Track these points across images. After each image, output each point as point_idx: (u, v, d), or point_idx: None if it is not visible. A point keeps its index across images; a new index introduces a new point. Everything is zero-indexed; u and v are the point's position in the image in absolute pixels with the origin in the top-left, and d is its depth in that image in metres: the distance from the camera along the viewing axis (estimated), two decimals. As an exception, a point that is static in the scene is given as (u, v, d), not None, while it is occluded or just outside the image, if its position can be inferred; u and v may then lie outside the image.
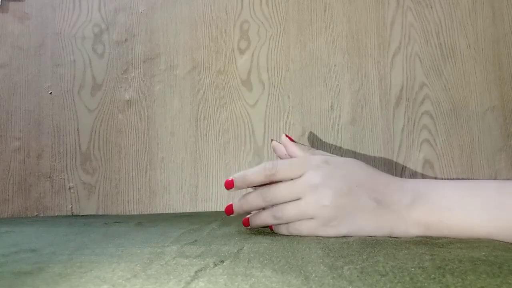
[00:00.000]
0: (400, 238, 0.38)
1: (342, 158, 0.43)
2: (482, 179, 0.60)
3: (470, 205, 0.36)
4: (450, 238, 0.36)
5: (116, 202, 0.65)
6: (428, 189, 0.39)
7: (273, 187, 0.42)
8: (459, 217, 0.36)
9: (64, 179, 0.66)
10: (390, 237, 0.38)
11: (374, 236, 0.38)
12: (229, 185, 0.43)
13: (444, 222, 0.37)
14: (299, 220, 0.40)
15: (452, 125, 0.61)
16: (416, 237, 0.38)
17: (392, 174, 0.61)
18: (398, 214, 0.38)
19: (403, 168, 0.61)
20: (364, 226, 0.39)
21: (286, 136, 0.48)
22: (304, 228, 0.40)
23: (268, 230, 0.45)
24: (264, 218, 0.42)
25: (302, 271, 0.26)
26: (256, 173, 0.43)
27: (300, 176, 0.41)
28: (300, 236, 0.40)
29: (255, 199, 0.43)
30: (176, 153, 0.66)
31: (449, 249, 0.31)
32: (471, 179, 0.60)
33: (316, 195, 0.39)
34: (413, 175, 0.61)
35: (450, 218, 0.37)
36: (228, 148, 0.65)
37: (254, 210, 0.44)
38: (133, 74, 0.68)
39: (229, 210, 0.44)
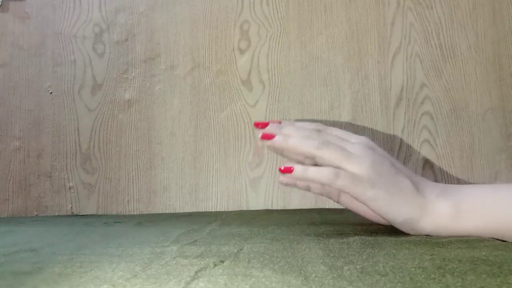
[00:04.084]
0: (412, 235, 0.38)
1: None
2: (481, 182, 0.60)
3: (496, 201, 0.37)
4: (450, 238, 0.36)
5: (116, 202, 0.65)
6: (453, 187, 0.40)
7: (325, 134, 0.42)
8: (487, 212, 0.36)
9: (64, 179, 0.66)
10: (395, 235, 0.38)
11: (374, 237, 0.38)
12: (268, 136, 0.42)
13: (474, 217, 0.37)
14: (340, 162, 0.39)
15: (452, 126, 0.61)
16: (416, 237, 0.38)
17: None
18: (429, 203, 0.38)
19: (403, 168, 0.61)
20: (397, 199, 0.38)
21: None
22: (346, 176, 0.38)
23: (267, 230, 0.44)
24: (303, 139, 0.40)
25: (302, 271, 0.26)
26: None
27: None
28: (300, 236, 0.40)
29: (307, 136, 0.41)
30: (176, 153, 0.66)
31: (449, 249, 0.31)
32: (471, 180, 0.60)
33: (363, 153, 0.39)
34: (413, 175, 0.61)
35: (479, 212, 0.37)
36: (228, 148, 0.65)
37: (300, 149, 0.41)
38: (133, 74, 0.68)
39: (270, 137, 0.42)
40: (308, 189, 0.45)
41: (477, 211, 0.37)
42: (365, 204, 0.39)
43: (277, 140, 0.41)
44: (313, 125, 0.43)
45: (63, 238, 0.42)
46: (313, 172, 0.39)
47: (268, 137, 0.42)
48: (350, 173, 0.38)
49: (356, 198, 0.39)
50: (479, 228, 0.37)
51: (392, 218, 0.38)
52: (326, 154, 0.39)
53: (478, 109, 0.61)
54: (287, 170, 0.40)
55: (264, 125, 0.43)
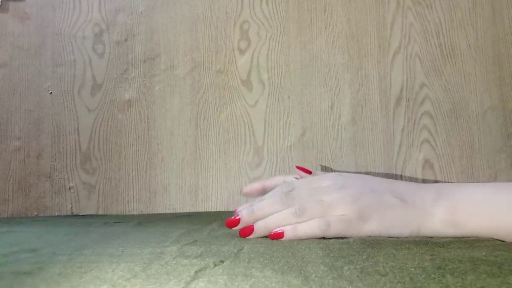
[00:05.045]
0: (417, 237, 0.37)
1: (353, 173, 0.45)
2: (481, 181, 0.60)
3: (495, 202, 0.36)
4: (450, 238, 0.36)
5: (116, 202, 0.65)
6: (450, 188, 0.39)
7: (297, 198, 0.41)
8: (486, 213, 0.36)
9: (64, 179, 0.66)
10: (417, 236, 0.37)
11: (374, 237, 0.38)
12: (248, 231, 0.40)
13: (472, 219, 0.36)
14: (321, 216, 0.39)
15: (452, 126, 0.61)
16: (416, 237, 0.37)
17: (392, 174, 0.61)
18: (424, 211, 0.38)
19: (403, 168, 0.61)
20: (393, 222, 0.38)
21: (299, 168, 0.48)
22: (337, 222, 0.38)
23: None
24: (282, 218, 0.40)
25: (302, 271, 0.26)
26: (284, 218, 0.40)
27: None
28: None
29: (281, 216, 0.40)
30: (176, 153, 0.66)
31: (449, 249, 0.31)
32: (471, 180, 0.60)
33: (340, 193, 0.39)
34: (413, 175, 0.61)
35: (478, 213, 0.36)
36: (228, 148, 0.65)
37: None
38: (133, 74, 0.68)
39: (249, 231, 0.41)
40: None
41: (476, 215, 0.36)
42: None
43: (258, 231, 0.40)
44: (281, 189, 0.42)
45: (63, 238, 0.42)
46: (304, 230, 0.39)
47: (248, 231, 0.40)
48: (339, 216, 0.38)
49: (356, 237, 0.39)
50: (480, 231, 0.36)
51: (395, 237, 0.38)
52: (308, 216, 0.39)
53: (478, 109, 0.61)
54: (278, 236, 0.39)
55: (235, 222, 0.41)
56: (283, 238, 0.39)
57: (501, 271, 0.24)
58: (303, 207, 0.39)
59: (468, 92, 0.61)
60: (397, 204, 0.38)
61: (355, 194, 0.39)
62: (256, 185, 0.48)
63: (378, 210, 0.38)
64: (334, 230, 0.38)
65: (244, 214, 0.42)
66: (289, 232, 0.39)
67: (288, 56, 0.65)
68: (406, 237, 0.38)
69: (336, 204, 0.39)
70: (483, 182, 0.60)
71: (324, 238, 0.38)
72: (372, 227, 0.38)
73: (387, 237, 0.38)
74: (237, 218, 0.42)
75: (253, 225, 0.41)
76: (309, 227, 0.39)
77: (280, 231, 0.39)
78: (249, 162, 0.64)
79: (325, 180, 0.41)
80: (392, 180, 0.43)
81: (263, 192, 0.48)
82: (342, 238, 0.38)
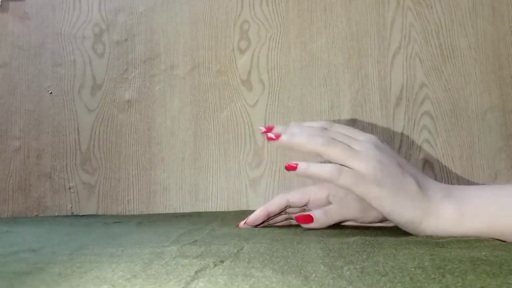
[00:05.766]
0: (416, 237, 0.37)
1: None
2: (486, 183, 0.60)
3: (502, 203, 0.36)
4: (450, 238, 0.36)
5: (116, 202, 0.65)
6: (456, 188, 0.39)
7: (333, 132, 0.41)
8: (493, 214, 0.36)
9: (64, 179, 0.66)
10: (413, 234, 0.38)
11: (375, 237, 0.38)
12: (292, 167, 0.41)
13: (475, 220, 0.36)
14: (345, 160, 0.39)
15: (452, 126, 0.61)
16: (416, 237, 0.37)
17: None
18: (433, 206, 0.38)
19: (403, 168, 0.61)
20: (401, 201, 0.37)
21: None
22: (349, 173, 0.38)
23: (267, 230, 0.44)
24: (307, 139, 0.40)
25: (302, 271, 0.26)
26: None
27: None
28: (300, 236, 0.40)
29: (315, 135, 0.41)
30: (176, 153, 0.66)
31: (449, 249, 0.31)
32: (471, 180, 0.60)
33: (370, 150, 0.39)
34: (413, 175, 0.61)
35: (483, 214, 0.36)
36: (228, 148, 0.65)
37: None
38: (133, 74, 0.68)
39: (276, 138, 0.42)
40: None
41: (481, 217, 0.37)
42: (368, 202, 0.39)
43: (283, 138, 0.41)
44: (320, 123, 0.43)
45: (63, 238, 0.42)
46: (315, 168, 0.39)
47: (275, 138, 0.42)
48: (354, 171, 0.38)
49: (362, 197, 0.39)
50: (482, 232, 0.36)
51: (395, 218, 0.38)
52: (331, 152, 0.39)
53: (478, 109, 0.61)
54: (291, 168, 0.40)
55: (270, 128, 0.43)
56: (296, 172, 0.40)
57: (501, 271, 0.24)
58: (331, 141, 0.40)
59: (468, 92, 0.61)
60: (415, 188, 0.38)
61: (382, 159, 0.38)
62: (261, 213, 0.47)
63: (395, 182, 0.38)
64: (343, 181, 0.38)
65: (278, 126, 0.43)
66: (302, 167, 0.40)
67: (288, 56, 0.65)
68: (405, 222, 0.38)
69: (361, 156, 0.38)
70: (483, 182, 0.60)
71: (324, 238, 0.38)
72: (383, 193, 0.37)
73: (387, 213, 0.38)
74: (272, 126, 0.43)
75: (280, 134, 0.42)
76: (321, 169, 0.39)
77: (295, 164, 0.40)
78: (249, 162, 0.64)
79: (362, 135, 0.41)
80: (414, 166, 0.42)
81: (268, 216, 0.47)
82: (342, 238, 0.38)
